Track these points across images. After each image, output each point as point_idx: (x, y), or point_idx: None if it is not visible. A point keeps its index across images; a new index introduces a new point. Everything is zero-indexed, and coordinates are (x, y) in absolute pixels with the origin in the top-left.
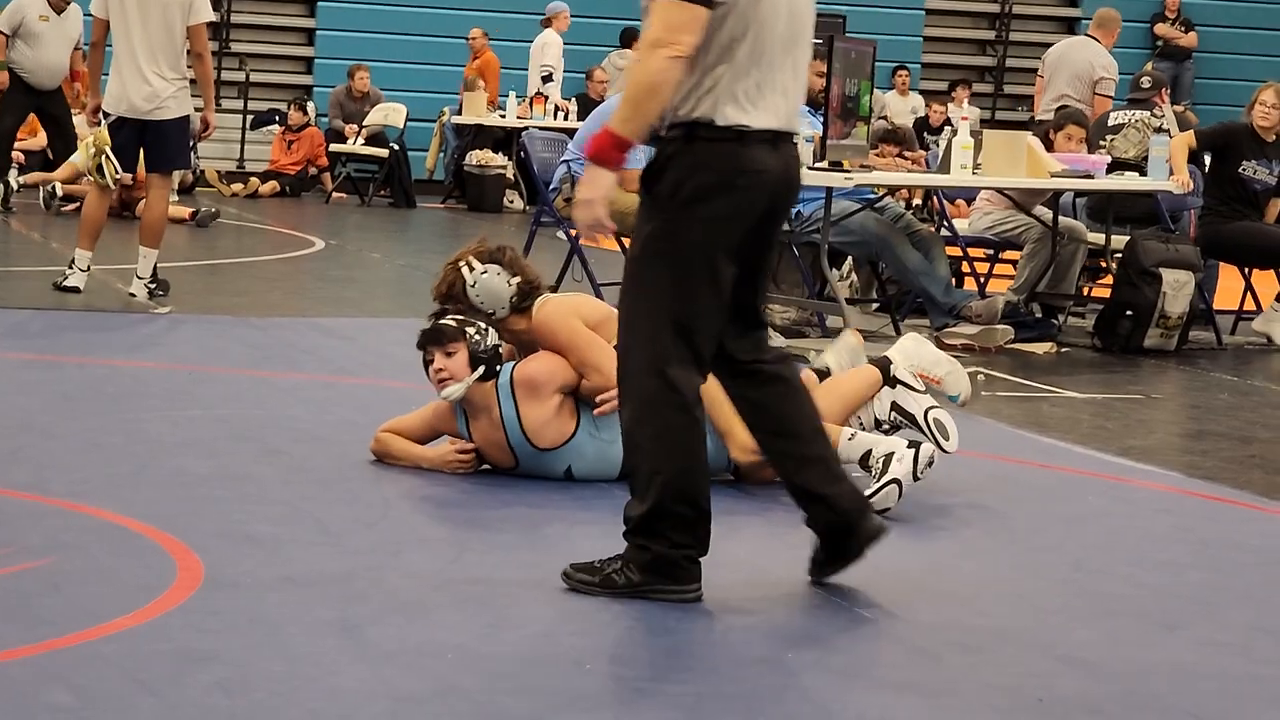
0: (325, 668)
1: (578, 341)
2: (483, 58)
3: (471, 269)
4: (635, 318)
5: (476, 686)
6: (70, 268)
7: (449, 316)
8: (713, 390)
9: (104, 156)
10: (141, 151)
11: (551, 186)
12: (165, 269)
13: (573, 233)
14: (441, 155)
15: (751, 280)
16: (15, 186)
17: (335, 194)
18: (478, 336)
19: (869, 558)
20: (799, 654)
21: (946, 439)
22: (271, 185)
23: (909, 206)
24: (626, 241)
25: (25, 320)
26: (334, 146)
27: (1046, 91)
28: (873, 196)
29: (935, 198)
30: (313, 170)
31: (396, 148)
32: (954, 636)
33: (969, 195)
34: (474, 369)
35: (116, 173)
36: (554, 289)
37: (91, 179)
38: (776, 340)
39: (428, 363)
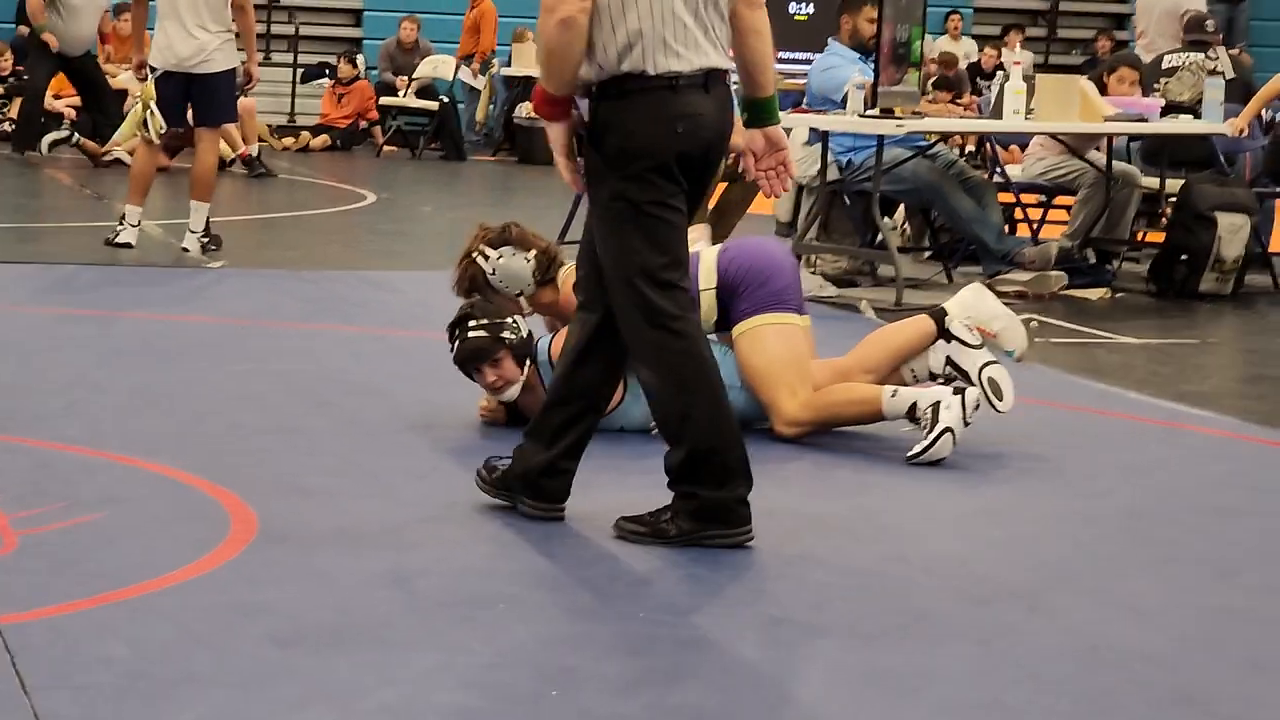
0: (377, 619)
1: None
2: (480, 7)
3: (486, 257)
4: (621, 283)
5: (528, 638)
6: (121, 223)
7: (472, 320)
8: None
9: (149, 111)
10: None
11: None
12: (217, 223)
13: None
14: (491, 107)
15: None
16: (75, 138)
17: (386, 147)
18: (511, 335)
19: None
20: (849, 603)
21: (1000, 399)
22: (322, 139)
23: (961, 153)
24: None
25: (77, 275)
26: (384, 100)
27: (1143, 37)
28: (924, 143)
29: (988, 144)
30: (363, 124)
31: (446, 100)
32: (1008, 585)
33: (1022, 141)
34: (523, 363)
35: (161, 127)
36: None
37: (138, 134)
38: (829, 289)
39: (471, 375)
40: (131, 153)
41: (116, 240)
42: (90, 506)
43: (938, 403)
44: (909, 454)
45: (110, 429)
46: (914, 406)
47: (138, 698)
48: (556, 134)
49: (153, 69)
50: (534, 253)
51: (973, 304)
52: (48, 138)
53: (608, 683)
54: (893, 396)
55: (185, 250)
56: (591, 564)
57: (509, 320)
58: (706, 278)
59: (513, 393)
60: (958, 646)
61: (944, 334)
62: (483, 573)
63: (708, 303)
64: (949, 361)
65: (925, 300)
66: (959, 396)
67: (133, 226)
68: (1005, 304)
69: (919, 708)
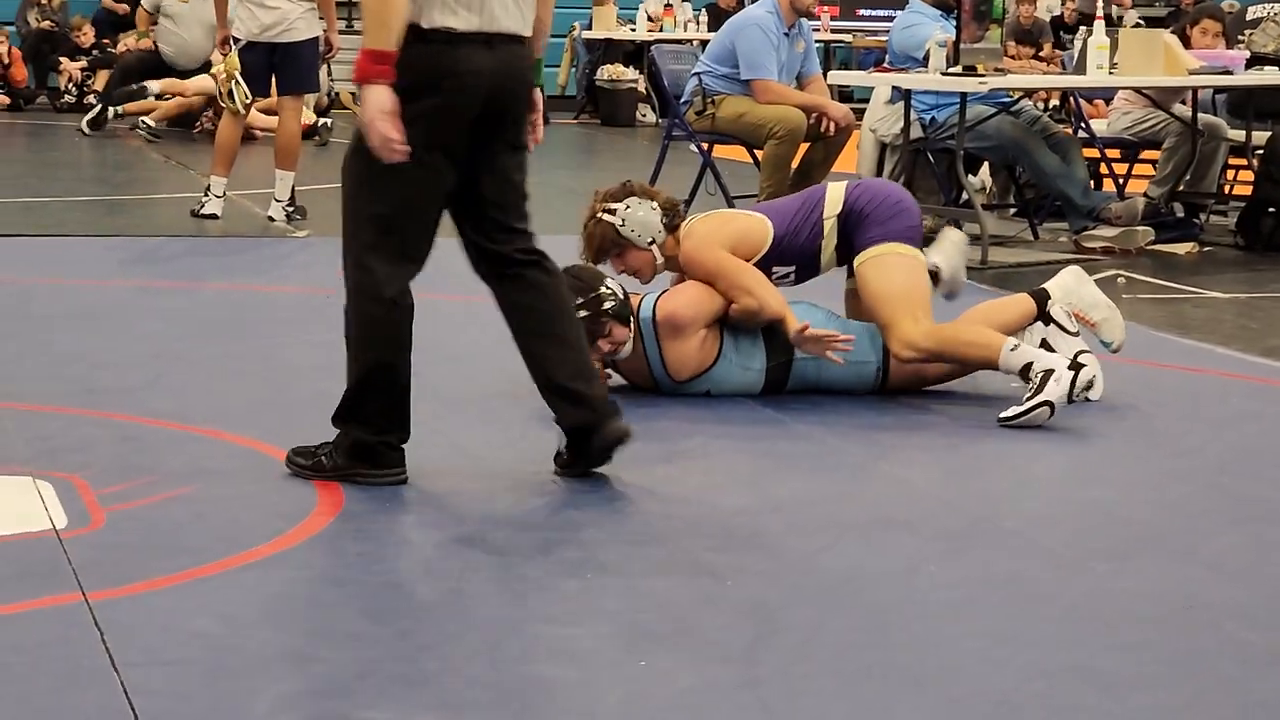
0: (468, 592)
1: (725, 269)
2: None
3: (612, 212)
4: (346, 211)
5: (616, 606)
6: (206, 195)
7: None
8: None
9: (234, 82)
10: (273, 75)
11: (682, 100)
12: (302, 191)
13: (705, 146)
14: (573, 70)
15: (497, 184)
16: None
17: None
18: (610, 303)
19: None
20: (940, 567)
21: (1089, 389)
22: None
23: (1045, 108)
24: (759, 154)
25: (164, 246)
26: None
27: None
28: (1008, 100)
29: (1072, 99)
30: None
31: None
32: (1098, 545)
33: (1106, 95)
34: (628, 323)
35: (247, 98)
36: (688, 203)
37: (224, 105)
38: None
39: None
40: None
41: (202, 211)
42: (177, 481)
43: (1050, 370)
44: (1002, 415)
45: (196, 401)
46: (1029, 366)
47: (227, 673)
48: (377, 100)
49: (235, 40)
50: (658, 201)
51: (1074, 290)
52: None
53: (697, 652)
54: (1012, 350)
55: (271, 219)
56: (676, 529)
57: (601, 290)
58: (832, 205)
59: (625, 351)
60: (1047, 609)
61: (1043, 316)
62: (569, 541)
63: (829, 229)
64: (1044, 344)
65: (1011, 258)
66: (1073, 372)
67: (218, 197)
68: (1091, 260)
69: (1008, 672)
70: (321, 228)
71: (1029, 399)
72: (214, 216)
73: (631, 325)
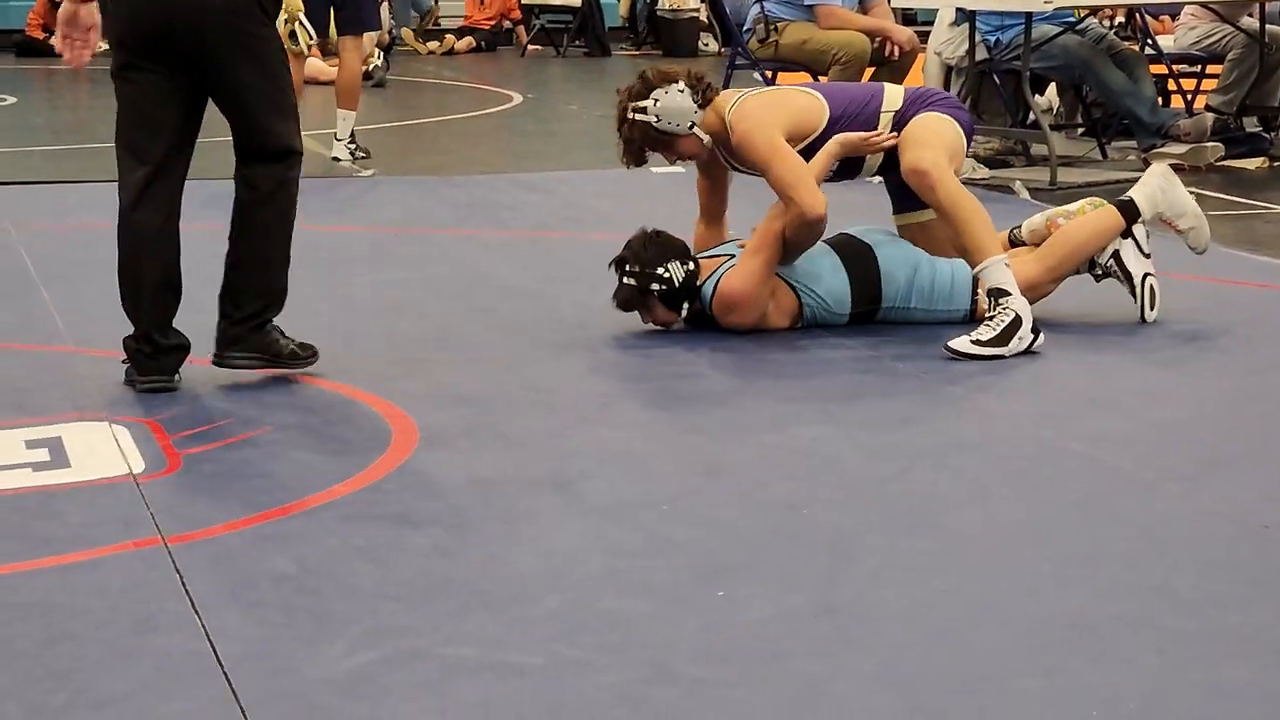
0: (540, 526)
1: (774, 160)
2: None
3: (643, 110)
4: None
5: (691, 538)
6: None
7: (627, 264)
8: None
9: (297, 23)
10: (333, 14)
11: (745, 28)
12: (366, 131)
13: (769, 74)
14: (634, 1)
15: (223, 96)
16: None
17: (530, 46)
18: (661, 285)
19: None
20: (1013, 489)
21: (1152, 309)
22: (467, 41)
23: (1111, 25)
24: (823, 80)
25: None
26: None
27: None
28: (1073, 19)
29: (1138, 15)
30: (507, 24)
31: None
32: (1172, 465)
33: (1173, 10)
34: (677, 308)
35: (311, 38)
36: None
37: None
38: (981, 171)
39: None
40: None
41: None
42: (251, 423)
43: (1018, 321)
44: (952, 344)
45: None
46: (1002, 294)
47: (305, 614)
48: (65, 9)
49: None
50: (684, 80)
51: (1163, 197)
52: None
53: (772, 583)
54: (1005, 265)
55: (336, 159)
56: (748, 459)
57: (661, 272)
58: (891, 101)
59: (677, 324)
60: (1123, 529)
61: (1127, 232)
62: (643, 474)
63: (884, 123)
64: (1115, 256)
65: (1079, 178)
66: (1034, 336)
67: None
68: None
69: (1085, 593)
70: (386, 166)
71: (986, 342)
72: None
73: (684, 309)
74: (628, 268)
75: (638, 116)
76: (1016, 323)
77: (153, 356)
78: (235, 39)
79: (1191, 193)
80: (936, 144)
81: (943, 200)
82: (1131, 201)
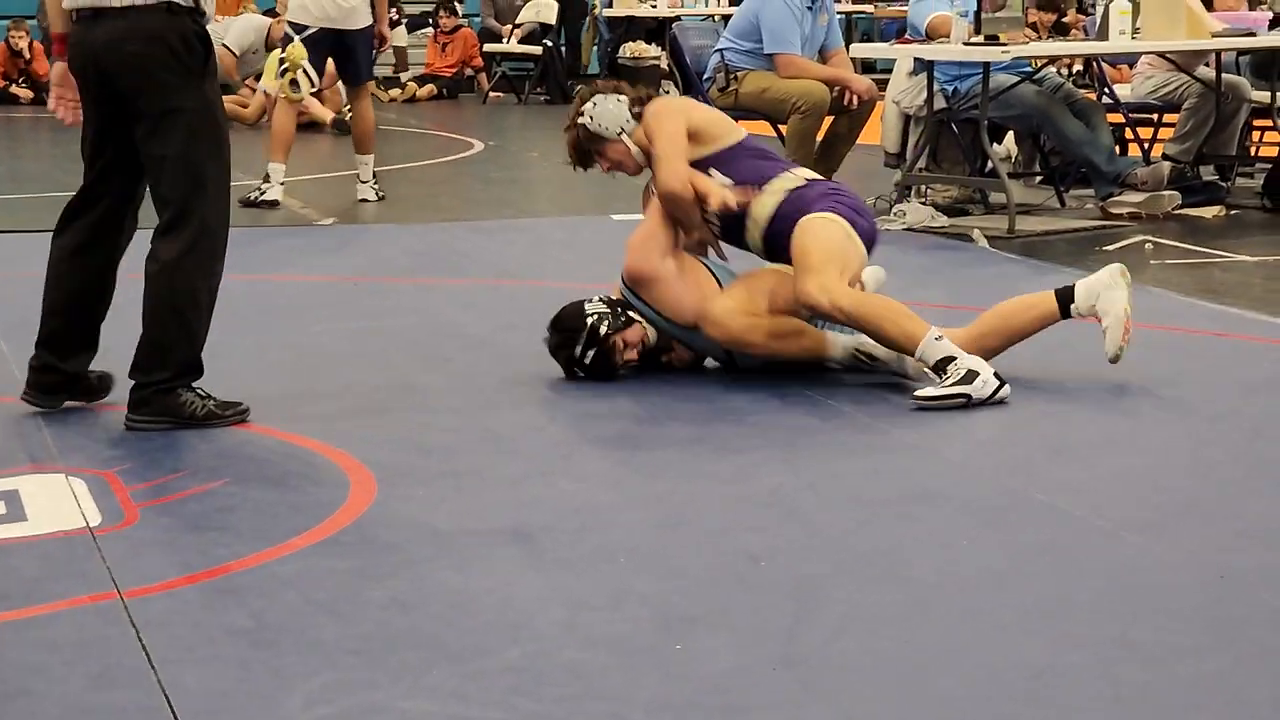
0: (500, 577)
1: (660, 133)
2: None
3: (582, 114)
4: None
5: (651, 590)
6: (266, 181)
7: (575, 347)
8: None
9: (300, 72)
10: (332, 63)
11: (705, 76)
12: (328, 179)
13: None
14: (595, 49)
15: (136, 149)
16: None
17: (492, 94)
18: (605, 321)
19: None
20: (974, 540)
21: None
22: (428, 89)
23: (1069, 74)
24: (783, 129)
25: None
26: (488, 46)
27: None
28: (1030, 69)
29: (1095, 64)
30: (468, 71)
31: (550, 44)
32: (1131, 513)
33: (1130, 59)
34: (632, 324)
35: (313, 87)
36: None
37: (283, 95)
38: (940, 219)
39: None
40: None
41: (264, 198)
42: (209, 474)
43: (975, 372)
44: (918, 393)
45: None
46: (949, 360)
47: (263, 668)
48: (56, 70)
49: (300, 27)
50: (626, 93)
51: (1101, 292)
52: None
53: (733, 634)
54: (936, 339)
55: (364, 200)
56: (709, 510)
57: (588, 320)
58: (794, 179)
59: (652, 337)
60: (1084, 580)
61: (1065, 315)
62: (602, 526)
63: (777, 188)
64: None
65: (1038, 226)
66: (998, 384)
67: (280, 184)
68: (1118, 226)
69: (1045, 643)
70: (346, 215)
71: (949, 384)
72: (275, 203)
73: (636, 321)
74: (578, 350)
75: (579, 119)
76: (972, 374)
77: (35, 370)
78: (150, 90)
79: (1148, 242)
80: (823, 264)
81: (848, 320)
82: (1069, 287)
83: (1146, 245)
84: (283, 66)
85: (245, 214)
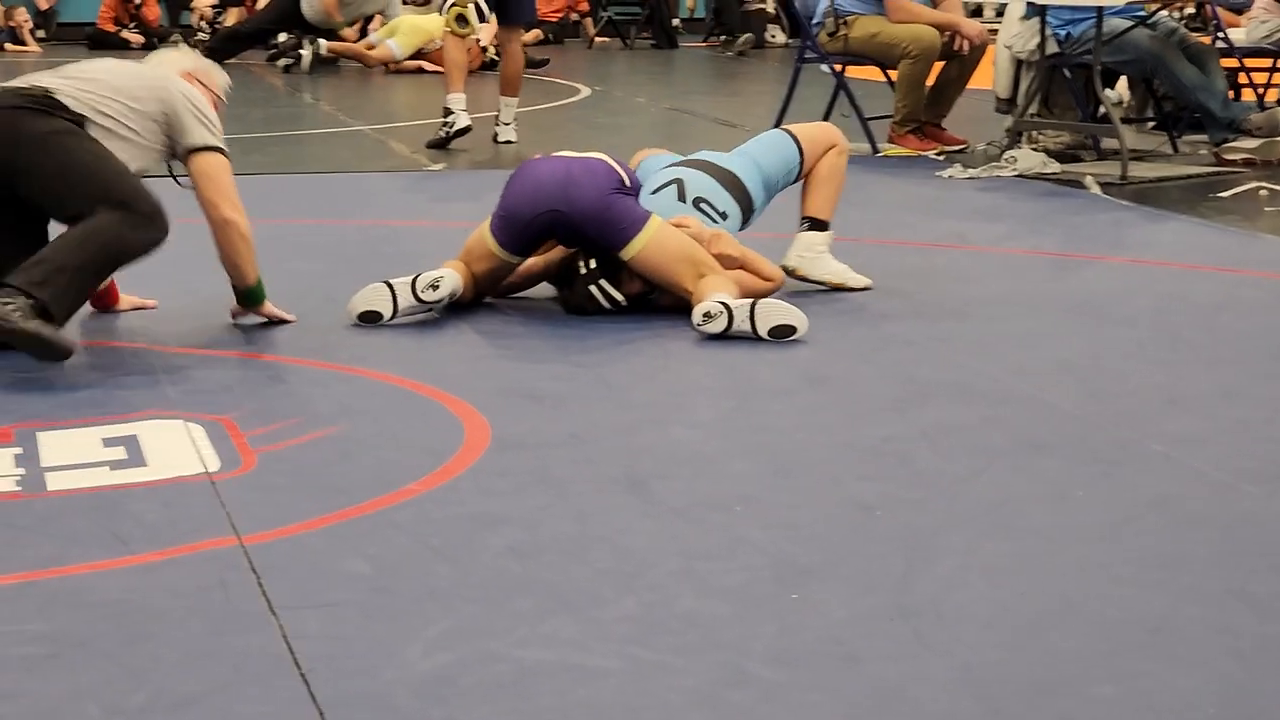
0: (614, 526)
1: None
2: None
3: None
4: None
5: (765, 539)
6: (449, 115)
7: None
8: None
9: (468, 7)
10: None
11: (814, 20)
12: (433, 124)
13: (837, 67)
14: None
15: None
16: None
17: (597, 38)
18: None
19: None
20: (1089, 491)
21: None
22: (534, 33)
23: (1182, 18)
24: (892, 74)
25: (303, 183)
26: None
27: None
28: (1144, 13)
29: (1208, 7)
30: (574, 16)
31: None
32: (1249, 465)
33: (1245, 4)
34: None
35: (483, 19)
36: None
37: (450, 30)
38: (1052, 165)
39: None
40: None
41: (455, 129)
42: (325, 421)
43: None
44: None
45: (340, 341)
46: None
47: (382, 614)
48: None
49: None
50: None
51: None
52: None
53: (848, 584)
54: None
55: (508, 142)
56: (822, 459)
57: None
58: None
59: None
60: (1201, 532)
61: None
62: (716, 474)
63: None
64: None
65: (1150, 173)
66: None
67: (463, 110)
68: (1232, 172)
69: (1163, 596)
70: (456, 160)
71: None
72: (467, 128)
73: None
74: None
75: None
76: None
77: None
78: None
79: (1262, 188)
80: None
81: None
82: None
83: (1261, 191)
84: (450, 2)
85: (355, 159)
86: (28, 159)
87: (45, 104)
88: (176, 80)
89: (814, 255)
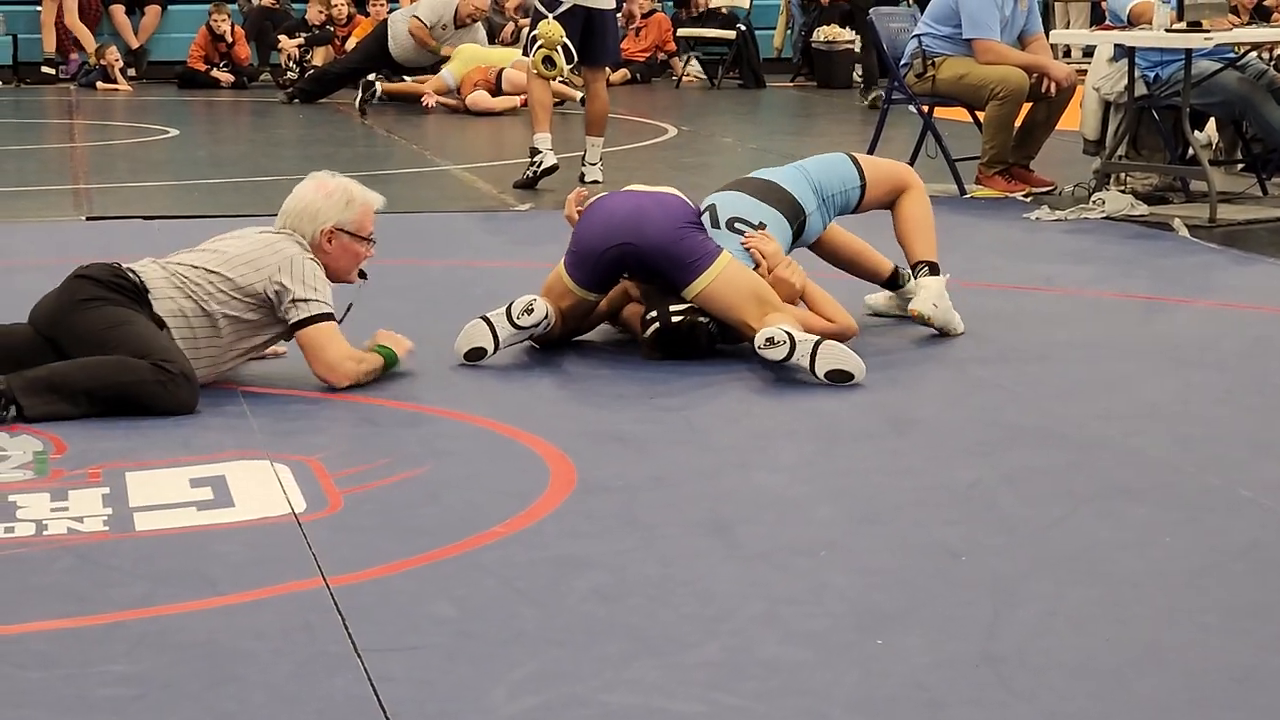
0: (699, 570)
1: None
2: None
3: None
4: None
5: (849, 584)
6: (535, 155)
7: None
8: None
9: (556, 50)
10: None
11: (902, 61)
12: (512, 164)
13: (925, 108)
14: (788, 33)
15: None
16: (376, 91)
17: (685, 78)
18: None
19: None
20: (1177, 537)
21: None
22: (622, 73)
23: (1271, 60)
24: (980, 115)
25: (392, 222)
26: (681, 31)
27: None
28: (1233, 55)
29: None
30: (661, 56)
31: (744, 28)
32: None
33: None
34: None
35: (569, 62)
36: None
37: (536, 71)
38: (1140, 208)
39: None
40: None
41: (542, 169)
42: (412, 462)
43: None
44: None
45: (428, 383)
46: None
47: (467, 658)
48: None
49: (552, 3)
50: None
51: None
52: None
53: (933, 630)
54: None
55: (595, 182)
56: (906, 503)
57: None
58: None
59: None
60: None
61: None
62: (799, 519)
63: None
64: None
65: (1239, 215)
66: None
67: (550, 150)
68: None
69: (1251, 644)
70: (543, 201)
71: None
72: (554, 167)
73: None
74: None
75: None
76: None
77: None
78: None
79: None
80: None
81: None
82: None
83: None
84: (537, 44)
85: (441, 198)
86: (69, 328)
87: (113, 283)
88: (295, 255)
89: (947, 307)
